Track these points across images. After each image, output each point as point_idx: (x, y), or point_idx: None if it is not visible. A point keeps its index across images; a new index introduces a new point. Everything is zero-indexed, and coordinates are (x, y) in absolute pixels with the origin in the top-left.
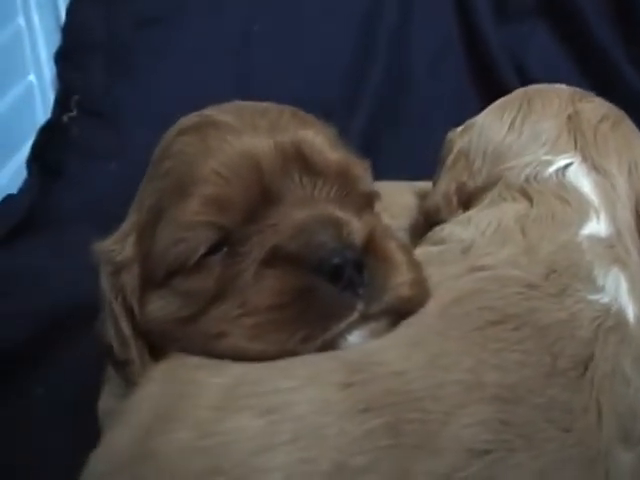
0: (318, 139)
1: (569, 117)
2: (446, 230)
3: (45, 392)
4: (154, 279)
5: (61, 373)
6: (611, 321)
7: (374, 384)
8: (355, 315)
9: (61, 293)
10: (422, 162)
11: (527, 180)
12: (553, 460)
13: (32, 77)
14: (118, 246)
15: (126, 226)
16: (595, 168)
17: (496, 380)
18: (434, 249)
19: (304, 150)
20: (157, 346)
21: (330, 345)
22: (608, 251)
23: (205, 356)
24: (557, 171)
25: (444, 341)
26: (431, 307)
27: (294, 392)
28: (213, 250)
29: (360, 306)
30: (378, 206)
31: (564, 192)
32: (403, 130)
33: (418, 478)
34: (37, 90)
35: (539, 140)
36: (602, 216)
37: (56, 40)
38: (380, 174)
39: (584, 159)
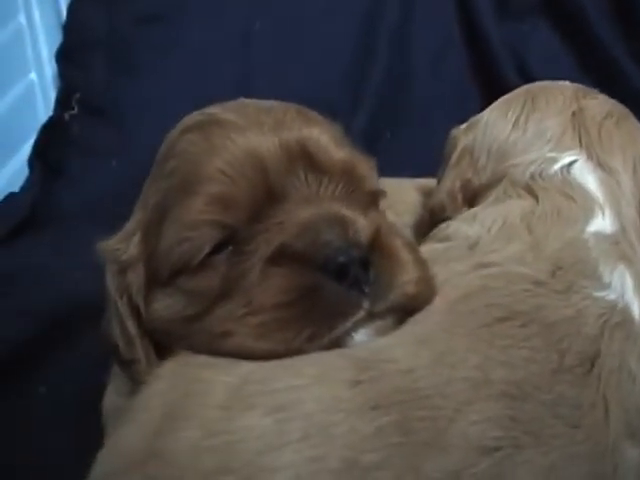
0: (323, 137)
1: (573, 114)
2: (451, 227)
3: (47, 391)
4: (159, 278)
5: (62, 373)
6: (617, 318)
7: (383, 382)
8: (361, 313)
9: (62, 292)
10: (423, 161)
11: (532, 177)
12: (562, 456)
13: (33, 75)
14: (123, 245)
15: (131, 225)
16: (600, 165)
17: (504, 377)
18: (439, 246)
19: (309, 148)
20: (163, 345)
21: (336, 343)
22: (613, 248)
23: (211, 355)
24: (562, 168)
25: (451, 338)
26: (438, 304)
27: (302, 390)
28: (218, 249)
29: (366, 304)
30: (383, 204)
31: (569, 189)
32: (404, 129)
33: (429, 475)
34: (38, 88)
35: (544, 137)
36: (607, 213)
37: (57, 38)
38: (381, 173)
39: (589, 156)
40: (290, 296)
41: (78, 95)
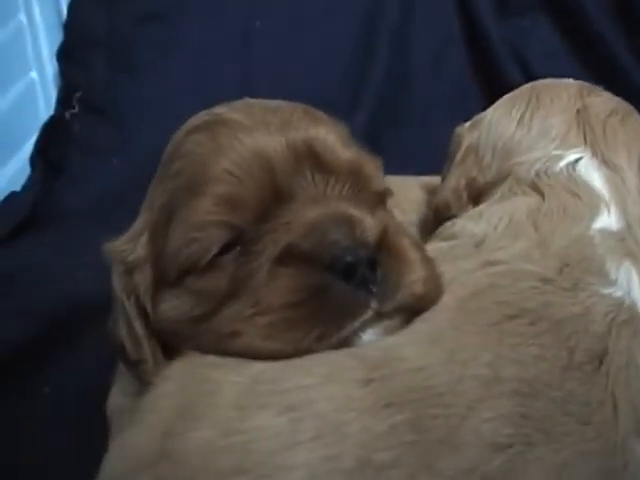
0: (330, 137)
1: (578, 111)
2: (457, 225)
3: (50, 391)
4: (167, 279)
5: (63, 373)
6: (624, 315)
7: (395, 380)
8: (369, 313)
9: (63, 292)
10: (424, 161)
11: (538, 175)
12: (573, 453)
13: (34, 74)
14: (130, 246)
15: (137, 226)
16: (605, 162)
17: (515, 374)
18: (445, 245)
19: (316, 148)
20: (170, 345)
21: (344, 343)
22: (619, 245)
23: (218, 355)
24: (567, 165)
25: (461, 336)
26: (446, 302)
27: (314, 389)
28: (226, 249)
29: (374, 304)
30: (390, 203)
31: (575, 186)
32: (404, 129)
33: (442, 473)
34: (39, 87)
35: (549, 135)
36: (613, 210)
37: (58, 37)
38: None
39: (594, 153)
40: (298, 296)
41: (79, 94)
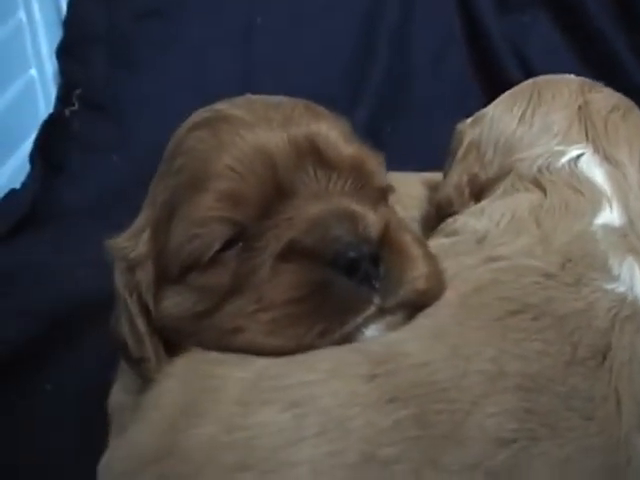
0: (332, 133)
1: (579, 108)
2: (459, 221)
3: (50, 390)
4: (169, 275)
5: (64, 372)
6: (627, 310)
7: (399, 375)
8: (372, 309)
9: (63, 290)
10: (424, 158)
11: (540, 171)
12: (577, 448)
13: (33, 71)
14: (132, 243)
15: (139, 222)
16: (607, 158)
17: (518, 370)
18: (447, 241)
19: (318, 144)
20: (172, 342)
21: (347, 339)
22: (622, 240)
23: (221, 351)
24: (569, 161)
25: (464, 331)
26: (449, 298)
27: (318, 385)
28: (228, 246)
29: (377, 300)
30: (392, 199)
31: (577, 182)
32: (404, 126)
33: (447, 468)
34: (38, 85)
35: (551, 131)
36: (615, 205)
37: (57, 34)
38: None
39: (595, 149)
40: (301, 292)
41: (79, 91)
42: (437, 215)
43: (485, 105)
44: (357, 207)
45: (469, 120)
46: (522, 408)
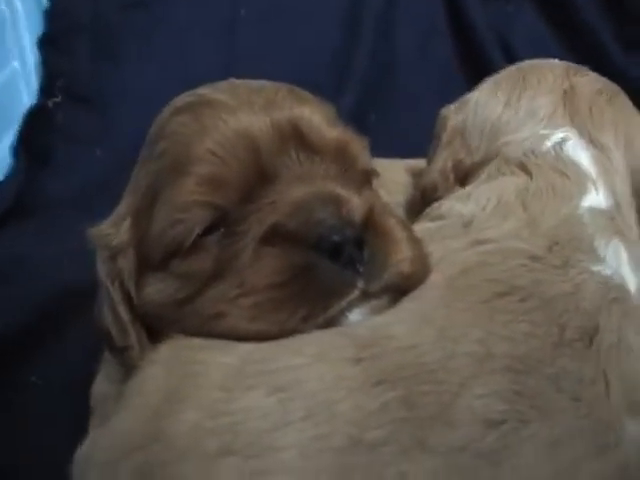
0: (315, 116)
1: (565, 92)
2: (445, 206)
3: (38, 382)
4: (151, 262)
5: (51, 365)
6: (614, 293)
7: (386, 358)
8: (356, 293)
9: (48, 282)
10: (410, 144)
11: (525, 154)
12: (566, 430)
13: (16, 63)
14: (113, 230)
15: (121, 209)
16: (592, 142)
17: (506, 351)
18: (433, 225)
19: (301, 127)
20: (155, 330)
21: (331, 323)
22: (608, 223)
23: (204, 337)
24: (555, 145)
25: (451, 314)
26: (435, 281)
27: (304, 369)
28: (210, 230)
29: (361, 284)
30: (376, 183)
31: (562, 166)
32: (389, 115)
33: (435, 450)
34: (21, 77)
35: (536, 115)
36: (601, 188)
37: (39, 25)
38: None
39: (581, 133)
40: (283, 276)
41: (61, 82)
42: (422, 201)
43: (470, 89)
44: (341, 190)
45: (453, 105)
46: (511, 390)
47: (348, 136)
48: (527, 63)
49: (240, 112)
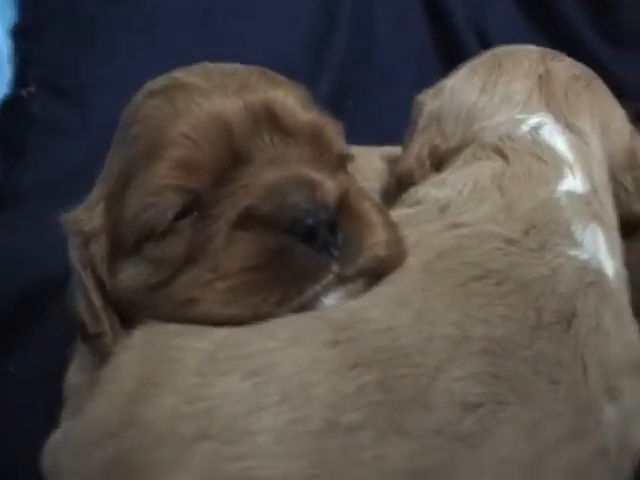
0: (289, 99)
1: (540, 77)
2: (421, 192)
3: (16, 373)
4: (124, 247)
5: (31, 354)
6: (591, 276)
7: (362, 341)
8: (330, 277)
9: (25, 273)
10: (386, 131)
11: (501, 139)
12: (545, 413)
13: None
14: (86, 216)
15: (94, 195)
16: (568, 126)
17: (483, 334)
18: (410, 211)
19: (275, 110)
20: (128, 316)
21: (305, 308)
22: (586, 207)
23: (178, 323)
24: (531, 130)
25: (428, 297)
26: (412, 264)
27: (279, 353)
28: (183, 214)
29: (335, 267)
30: (351, 168)
31: (539, 150)
32: (367, 101)
33: (412, 433)
34: None
35: (512, 100)
36: (577, 173)
37: (11, 15)
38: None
39: (557, 118)
40: (257, 260)
41: (35, 72)
42: (397, 187)
43: (444, 77)
44: (315, 174)
45: (429, 91)
46: (488, 372)
47: (323, 120)
48: (503, 49)
49: (214, 95)
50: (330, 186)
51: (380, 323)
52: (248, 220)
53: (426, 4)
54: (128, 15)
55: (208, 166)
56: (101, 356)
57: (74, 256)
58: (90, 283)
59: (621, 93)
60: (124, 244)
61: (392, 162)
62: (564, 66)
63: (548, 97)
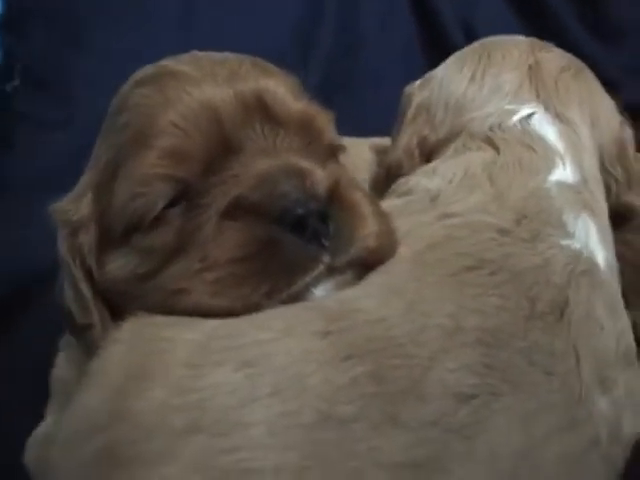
0: (280, 89)
1: (530, 67)
2: (411, 182)
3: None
4: (113, 237)
5: (13, 350)
6: (582, 266)
7: (355, 331)
8: (320, 268)
9: (13, 267)
10: (375, 123)
11: (491, 129)
12: (539, 404)
13: None
14: (74, 206)
15: (81, 185)
16: (558, 116)
17: (476, 324)
18: (400, 201)
19: (265, 99)
20: (117, 307)
21: (295, 299)
22: (576, 197)
23: (167, 314)
24: (521, 120)
25: (421, 287)
26: (404, 254)
27: (271, 344)
28: (172, 204)
29: (326, 258)
30: (342, 158)
31: (529, 140)
32: (354, 95)
33: (406, 424)
34: None
35: (502, 91)
36: (568, 163)
37: None
38: None
39: (547, 108)
40: (246, 250)
41: (19, 65)
42: (387, 178)
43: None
44: (305, 163)
45: (417, 82)
46: (482, 363)
47: (313, 109)
48: (491, 39)
49: (204, 84)
50: (321, 175)
51: (372, 313)
52: (237, 210)
53: (413, 1)
54: (113, 8)
55: (198, 155)
56: (90, 349)
57: (62, 246)
58: (79, 274)
59: (607, 85)
60: (112, 234)
61: (381, 153)
62: (553, 57)
63: (538, 87)
